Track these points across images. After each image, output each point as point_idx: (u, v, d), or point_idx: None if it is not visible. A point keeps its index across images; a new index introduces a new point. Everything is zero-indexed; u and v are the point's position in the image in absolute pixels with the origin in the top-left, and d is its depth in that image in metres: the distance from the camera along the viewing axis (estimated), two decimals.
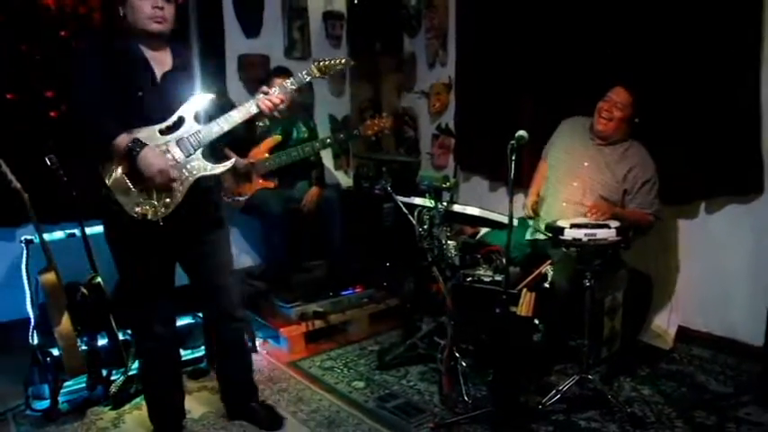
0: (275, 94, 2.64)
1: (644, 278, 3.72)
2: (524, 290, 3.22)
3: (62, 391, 3.11)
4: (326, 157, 5.24)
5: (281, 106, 2.69)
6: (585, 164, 3.46)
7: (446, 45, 5.01)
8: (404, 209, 3.30)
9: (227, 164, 2.65)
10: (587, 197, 3.39)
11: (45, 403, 3.10)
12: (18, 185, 3.11)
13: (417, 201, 3.29)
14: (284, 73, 4.44)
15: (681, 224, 3.70)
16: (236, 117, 2.58)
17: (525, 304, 3.17)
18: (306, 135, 4.57)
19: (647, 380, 3.29)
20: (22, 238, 3.30)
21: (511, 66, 4.32)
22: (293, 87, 2.69)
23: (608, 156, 3.43)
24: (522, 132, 2.93)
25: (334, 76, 5.51)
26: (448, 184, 3.23)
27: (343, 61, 2.81)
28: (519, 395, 3.00)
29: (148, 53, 2.56)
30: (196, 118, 2.57)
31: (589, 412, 2.95)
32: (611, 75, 3.64)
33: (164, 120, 2.54)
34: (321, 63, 2.74)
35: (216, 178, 2.76)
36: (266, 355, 3.78)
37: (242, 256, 5.07)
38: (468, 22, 4.73)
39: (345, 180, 5.66)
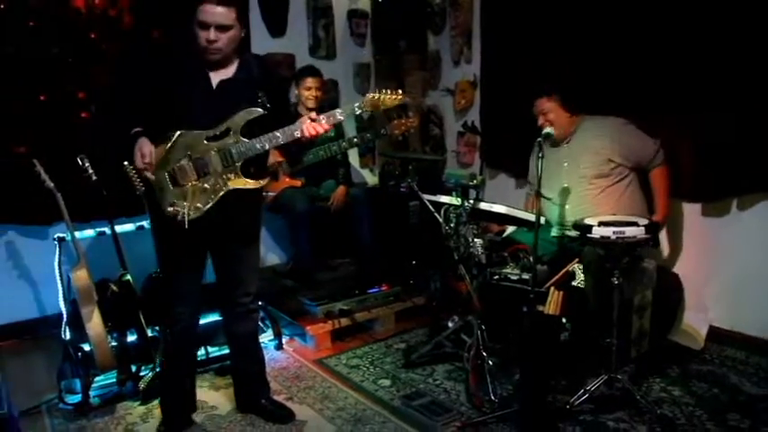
0: (322, 122, 2.62)
1: (673, 277, 3.68)
2: (552, 288, 3.20)
3: (93, 385, 3.17)
4: (352, 156, 5.26)
5: (323, 133, 2.67)
6: (565, 164, 3.53)
7: (471, 42, 4.98)
8: (430, 207, 3.29)
9: (261, 182, 2.70)
10: (582, 186, 3.45)
11: (77, 397, 3.15)
12: (51, 185, 3.18)
13: (444, 199, 3.28)
14: (313, 73, 4.48)
15: (711, 222, 3.63)
16: (280, 138, 2.60)
17: (553, 303, 3.15)
18: (332, 134, 4.58)
19: (678, 380, 3.24)
20: (55, 236, 3.38)
21: (536, 62, 4.28)
22: (341, 119, 2.67)
23: (577, 144, 3.52)
24: (549, 129, 2.94)
25: (358, 75, 5.54)
26: (475, 181, 3.21)
27: (399, 97, 2.69)
28: (546, 395, 2.98)
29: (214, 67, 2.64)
30: (242, 131, 2.60)
31: (617, 413, 2.91)
32: (638, 69, 3.62)
33: (214, 127, 2.61)
34: (376, 97, 2.67)
35: (255, 194, 2.80)
36: (293, 352, 3.80)
37: (269, 254, 5.11)
38: (492, 19, 4.70)
39: (371, 178, 5.66)
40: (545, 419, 2.84)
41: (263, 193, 4.36)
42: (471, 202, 3.18)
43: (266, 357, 3.65)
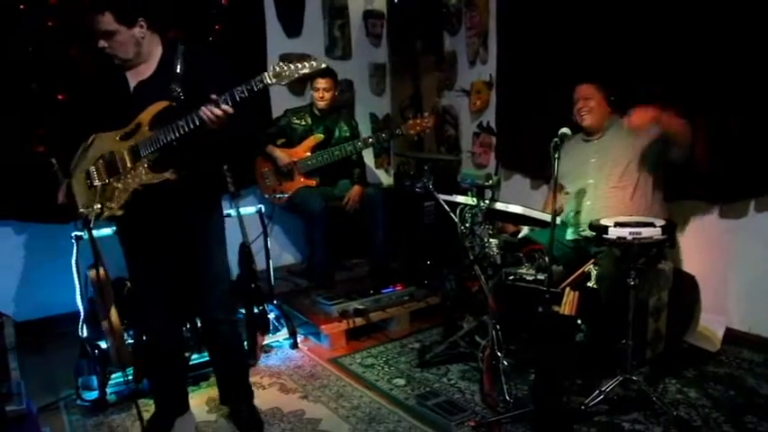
0: (219, 108, 2.42)
1: (690, 278, 3.65)
2: (567, 289, 3.19)
3: (110, 382, 3.20)
4: (367, 156, 5.27)
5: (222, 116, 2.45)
6: (592, 160, 3.48)
7: (487, 43, 4.98)
8: (445, 207, 3.29)
9: (165, 175, 2.57)
10: (606, 183, 3.40)
11: (94, 394, 3.18)
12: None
13: (459, 198, 3.28)
14: (323, 73, 4.48)
15: (728, 223, 3.60)
16: (183, 126, 2.47)
17: (568, 303, 3.14)
18: (348, 134, 4.60)
19: (694, 382, 3.21)
20: (72, 235, 3.40)
21: (553, 63, 4.27)
22: (243, 95, 2.43)
23: (609, 141, 3.47)
24: (565, 129, 2.92)
25: (373, 76, 5.55)
26: (490, 181, 3.21)
27: (312, 64, 2.42)
28: (561, 395, 2.97)
29: (134, 70, 2.62)
30: (150, 125, 2.56)
31: (633, 414, 2.89)
32: (656, 69, 3.60)
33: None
34: (277, 69, 2.40)
35: (205, 196, 2.78)
36: (307, 351, 3.81)
37: (284, 253, 5.14)
38: (509, 20, 4.70)
39: (386, 178, 5.68)
40: (560, 420, 2.82)
41: (278, 195, 4.44)
42: (487, 201, 3.18)
43: (281, 356, 3.72)
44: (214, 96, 2.40)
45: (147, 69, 2.62)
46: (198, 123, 2.44)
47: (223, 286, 2.89)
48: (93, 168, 2.63)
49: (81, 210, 2.61)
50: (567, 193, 3.55)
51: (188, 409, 3.03)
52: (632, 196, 3.34)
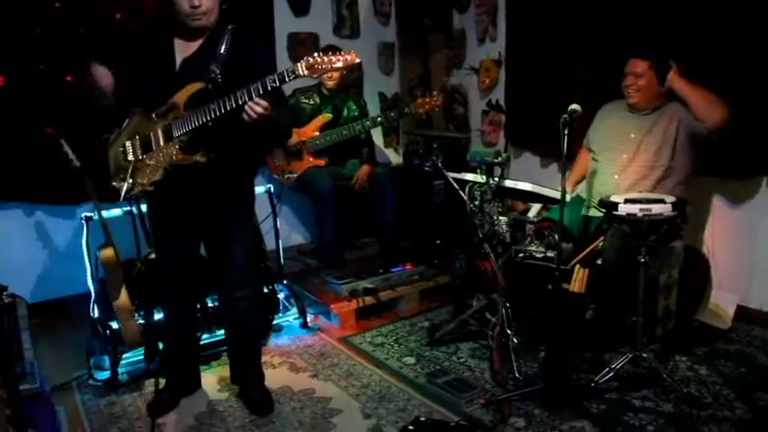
0: (261, 105, 2.42)
1: (700, 256, 3.63)
2: (577, 266, 3.18)
3: (121, 362, 3.22)
4: (376, 135, 5.25)
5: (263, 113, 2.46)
6: (632, 135, 3.38)
7: (496, 21, 4.92)
8: (455, 185, 3.28)
9: (195, 157, 2.58)
10: (637, 163, 3.33)
11: (106, 374, 3.20)
12: (78, 164, 3.22)
13: (468, 176, 3.27)
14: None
15: (739, 201, 3.58)
16: (216, 110, 2.47)
17: (578, 281, 3.13)
18: (356, 113, 4.58)
19: (704, 359, 3.21)
20: (82, 216, 3.41)
21: (562, 39, 4.23)
22: (275, 84, 2.41)
23: (652, 120, 3.35)
24: (575, 106, 2.90)
25: (382, 54, 5.51)
26: (500, 158, 3.20)
27: (339, 60, 2.37)
28: (571, 373, 2.97)
29: (180, 44, 2.63)
30: (185, 106, 2.57)
31: (643, 391, 2.90)
32: (668, 43, 3.55)
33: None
34: (311, 60, 2.36)
35: (238, 182, 2.80)
36: (317, 330, 3.83)
37: (293, 233, 5.15)
38: None
39: (395, 157, 5.66)
40: (570, 397, 2.83)
41: (286, 176, 4.44)
42: (496, 179, 3.16)
43: (291, 335, 3.73)
44: (262, 84, 2.39)
45: (194, 44, 2.63)
46: (229, 109, 2.44)
47: (248, 265, 2.94)
48: (129, 143, 2.66)
49: (113, 183, 2.67)
50: (596, 161, 3.49)
51: (199, 386, 3.08)
52: (659, 180, 3.28)
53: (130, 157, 2.65)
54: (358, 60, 2.43)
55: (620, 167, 3.37)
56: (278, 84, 2.39)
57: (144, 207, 3.02)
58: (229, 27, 2.63)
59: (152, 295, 3.26)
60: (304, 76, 2.38)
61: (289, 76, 2.37)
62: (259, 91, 2.40)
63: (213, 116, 2.47)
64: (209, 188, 2.70)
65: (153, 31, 2.70)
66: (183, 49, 2.63)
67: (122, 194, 2.62)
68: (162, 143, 2.61)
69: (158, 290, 3.08)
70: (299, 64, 2.37)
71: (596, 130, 3.56)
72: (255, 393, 3.01)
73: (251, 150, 2.88)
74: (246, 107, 2.43)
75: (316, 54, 2.37)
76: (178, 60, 2.63)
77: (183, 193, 2.68)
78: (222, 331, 3.39)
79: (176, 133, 2.57)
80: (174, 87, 2.58)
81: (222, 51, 2.58)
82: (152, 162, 2.63)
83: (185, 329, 3.07)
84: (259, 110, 2.43)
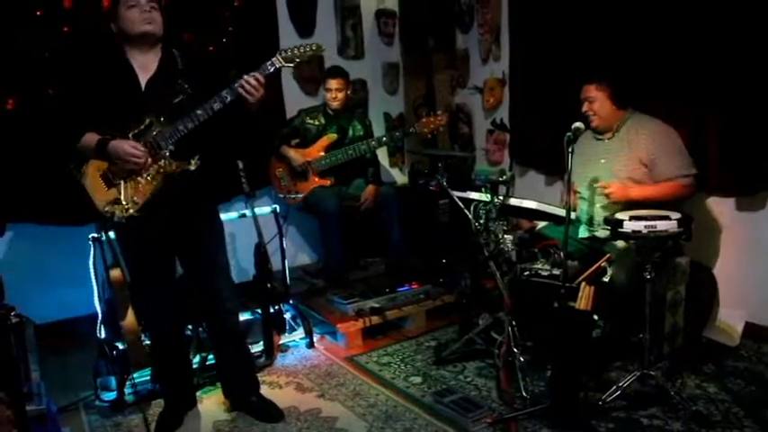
0: (255, 75, 2.58)
1: (707, 273, 3.62)
2: (583, 284, 3.17)
3: (128, 383, 3.22)
4: (381, 155, 5.28)
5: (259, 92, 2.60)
6: (602, 161, 3.45)
7: (499, 40, 4.96)
8: (460, 203, 3.28)
9: (192, 164, 2.67)
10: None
11: (112, 394, 3.21)
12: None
13: (473, 195, 3.27)
14: (334, 74, 4.50)
15: (746, 216, 3.57)
16: (200, 114, 2.59)
17: (584, 298, 3.12)
18: (362, 133, 4.61)
19: (713, 377, 3.18)
20: (90, 236, 3.43)
21: (565, 58, 4.25)
22: (270, 70, 2.61)
23: (618, 141, 3.43)
24: (578, 124, 2.92)
25: (386, 75, 5.54)
26: (504, 177, 3.20)
27: (313, 47, 2.65)
28: (578, 391, 2.95)
29: (137, 61, 2.68)
30: (165, 120, 2.63)
31: (651, 409, 2.87)
32: (671, 63, 3.57)
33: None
34: (287, 53, 2.62)
35: (209, 195, 2.90)
36: (324, 350, 3.82)
37: (299, 253, 5.15)
38: (521, 16, 4.67)
39: (400, 177, 5.67)
40: (577, 416, 2.81)
41: (292, 195, 4.46)
42: (501, 197, 3.17)
43: (298, 355, 3.73)
44: (253, 74, 2.57)
45: (152, 64, 2.69)
46: (216, 110, 2.58)
47: (231, 279, 3.03)
48: (109, 168, 2.66)
49: (106, 209, 2.65)
50: (579, 193, 3.53)
51: (195, 404, 3.11)
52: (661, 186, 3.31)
53: (117, 180, 2.65)
54: (324, 49, 2.73)
55: (598, 194, 3.42)
56: (277, 66, 2.60)
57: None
58: (174, 50, 2.75)
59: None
60: (282, 66, 2.62)
61: (268, 69, 2.60)
62: (242, 86, 2.57)
63: (201, 120, 2.59)
64: (196, 198, 2.78)
65: (107, 50, 2.72)
66: (142, 67, 2.68)
67: (117, 218, 2.62)
68: (149, 160, 2.63)
69: (144, 315, 3.11)
70: (275, 57, 2.60)
71: (573, 164, 3.59)
72: (257, 400, 3.06)
73: (233, 157, 3.08)
74: (242, 85, 2.56)
75: (288, 48, 2.63)
76: (142, 81, 2.68)
77: (170, 204, 2.70)
78: None
79: (165, 145, 2.63)
80: (142, 107, 2.64)
81: (180, 67, 2.71)
82: (142, 179, 2.64)
83: (177, 350, 3.06)
84: (253, 82, 2.56)
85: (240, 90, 2.57)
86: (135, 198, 2.64)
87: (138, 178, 2.65)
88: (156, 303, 2.91)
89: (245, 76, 2.57)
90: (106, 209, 2.65)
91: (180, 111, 2.62)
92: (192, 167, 2.67)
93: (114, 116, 2.63)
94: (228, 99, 2.59)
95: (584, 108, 3.43)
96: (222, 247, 2.96)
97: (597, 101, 3.40)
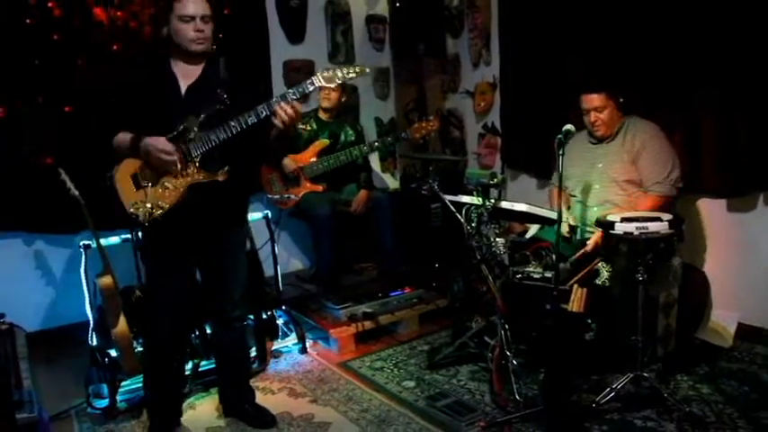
0: (292, 104, 2.57)
1: (700, 274, 3.63)
2: (575, 286, 3.17)
3: (120, 390, 3.20)
4: (373, 160, 5.28)
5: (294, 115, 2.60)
6: (599, 165, 3.46)
7: (489, 44, 4.97)
8: (451, 207, 3.29)
9: (216, 175, 2.68)
10: (613, 191, 3.39)
11: (104, 402, 3.19)
12: (77, 193, 3.23)
13: (465, 198, 3.28)
14: None
15: (738, 217, 3.58)
16: (235, 126, 2.61)
17: (577, 300, 3.12)
18: (353, 138, 4.61)
19: (706, 378, 3.19)
20: (81, 244, 3.42)
21: (556, 62, 4.27)
22: (295, 98, 2.58)
23: (616, 145, 3.43)
24: (569, 126, 2.93)
25: (377, 80, 5.55)
26: (495, 180, 3.21)
27: (356, 70, 2.62)
28: (571, 394, 2.95)
29: (181, 69, 2.71)
30: (199, 126, 2.64)
31: (645, 411, 2.87)
32: (662, 67, 3.58)
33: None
34: (327, 73, 2.60)
35: (238, 204, 2.92)
36: (317, 355, 3.81)
37: (292, 259, 5.14)
38: (511, 21, 4.69)
39: (392, 182, 5.68)
40: (571, 419, 2.81)
41: (285, 197, 4.45)
42: (492, 201, 3.17)
43: (290, 360, 3.72)
44: (282, 97, 2.57)
45: (196, 71, 2.72)
46: (249, 124, 2.59)
47: (244, 287, 3.02)
48: (140, 170, 2.67)
49: (130, 210, 2.65)
50: (574, 196, 3.53)
51: (180, 423, 3.05)
52: (638, 203, 3.32)
53: (146, 183, 2.67)
54: (368, 71, 2.69)
55: (596, 200, 3.44)
56: (297, 96, 2.58)
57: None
58: (221, 57, 2.76)
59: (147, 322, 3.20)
60: (323, 86, 2.62)
61: (308, 88, 2.58)
62: (279, 103, 2.56)
63: (233, 132, 2.60)
64: (222, 206, 2.78)
65: (152, 58, 2.76)
66: (185, 75, 2.71)
67: (142, 219, 2.63)
68: (180, 165, 2.64)
69: (156, 319, 2.97)
70: (315, 76, 2.59)
71: (565, 167, 3.59)
72: (251, 408, 3.07)
73: (258, 166, 2.95)
74: (279, 111, 2.56)
75: (328, 68, 2.62)
76: (182, 87, 2.70)
77: (195, 213, 2.71)
78: None
79: (195, 153, 2.64)
80: (181, 112, 2.65)
81: (223, 77, 2.72)
82: (170, 185, 2.66)
83: (176, 357, 3.01)
84: (291, 112, 2.56)
85: (276, 107, 2.56)
86: (160, 202, 2.65)
87: (167, 184, 2.66)
88: (168, 308, 2.86)
89: (283, 104, 2.55)
90: (131, 210, 2.66)
91: (215, 120, 2.64)
92: (221, 179, 2.68)
93: (152, 120, 2.65)
94: (264, 114, 2.59)
95: (592, 118, 3.39)
96: (242, 257, 3.00)
97: (607, 109, 3.36)
